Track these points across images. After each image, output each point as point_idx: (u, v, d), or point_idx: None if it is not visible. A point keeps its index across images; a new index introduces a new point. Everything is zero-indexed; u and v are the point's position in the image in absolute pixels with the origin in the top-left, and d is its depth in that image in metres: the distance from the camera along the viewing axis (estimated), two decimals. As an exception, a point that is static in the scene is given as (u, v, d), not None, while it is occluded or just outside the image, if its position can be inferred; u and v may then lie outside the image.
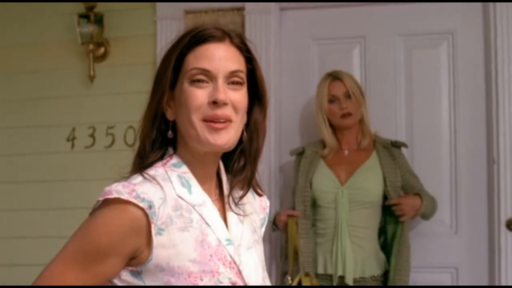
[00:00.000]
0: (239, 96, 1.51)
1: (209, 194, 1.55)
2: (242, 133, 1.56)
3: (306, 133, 3.65)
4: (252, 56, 1.58)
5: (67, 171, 3.84)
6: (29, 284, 1.47)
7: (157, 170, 1.50)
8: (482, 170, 3.48)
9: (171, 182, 1.49)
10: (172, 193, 1.47)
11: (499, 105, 3.38)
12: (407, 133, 3.53)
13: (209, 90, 1.49)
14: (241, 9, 3.66)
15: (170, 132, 1.55)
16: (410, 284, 3.21)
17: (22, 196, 3.89)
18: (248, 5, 3.63)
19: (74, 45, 3.80)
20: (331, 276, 3.14)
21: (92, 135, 3.83)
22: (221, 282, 1.46)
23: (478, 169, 3.49)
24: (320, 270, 3.17)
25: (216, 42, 1.52)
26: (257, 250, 1.61)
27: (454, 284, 3.46)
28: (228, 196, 1.60)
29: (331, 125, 3.31)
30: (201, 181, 1.54)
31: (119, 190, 1.41)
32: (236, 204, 1.59)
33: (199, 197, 1.51)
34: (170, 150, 1.56)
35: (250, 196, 1.66)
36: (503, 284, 3.32)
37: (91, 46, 3.72)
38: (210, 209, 1.52)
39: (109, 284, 1.46)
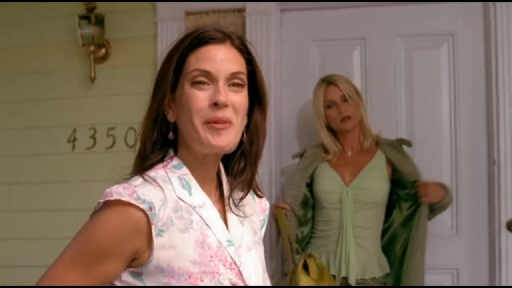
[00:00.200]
0: (240, 98, 1.52)
1: (209, 196, 1.56)
2: (243, 135, 1.56)
3: (307, 135, 3.65)
4: (252, 58, 1.58)
5: (68, 172, 3.84)
6: (30, 285, 1.47)
7: (157, 172, 1.51)
8: (482, 170, 3.48)
9: (171, 183, 1.50)
10: (173, 195, 1.48)
11: (499, 106, 3.38)
12: (407, 134, 3.53)
13: (210, 92, 1.49)
14: (241, 11, 3.66)
15: (171, 134, 1.55)
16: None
17: (22, 197, 3.90)
18: (248, 6, 3.63)
19: (75, 46, 3.80)
20: (333, 277, 3.12)
21: (92, 136, 3.83)
22: (221, 283, 1.46)
23: (478, 170, 3.49)
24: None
25: (217, 44, 1.53)
26: (257, 251, 1.61)
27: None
28: (229, 198, 1.60)
29: (332, 129, 3.31)
30: (202, 182, 1.55)
31: (119, 191, 1.42)
32: (236, 206, 1.59)
33: (199, 198, 1.52)
34: (171, 152, 1.56)
35: (250, 198, 1.67)
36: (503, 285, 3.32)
37: (92, 48, 3.73)
38: (210, 211, 1.52)
39: (109, 285, 1.47)
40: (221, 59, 1.51)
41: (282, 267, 3.43)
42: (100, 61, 3.82)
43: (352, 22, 3.67)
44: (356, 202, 3.14)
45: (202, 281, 1.44)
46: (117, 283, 1.47)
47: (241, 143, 1.57)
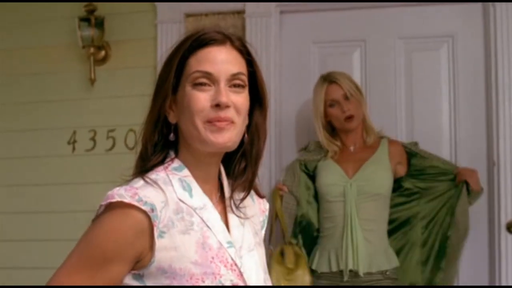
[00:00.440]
0: (241, 99, 1.53)
1: (210, 197, 1.56)
2: (243, 136, 1.57)
3: (306, 136, 3.65)
4: (252, 59, 1.59)
5: (68, 174, 3.84)
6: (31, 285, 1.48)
7: (158, 174, 1.51)
8: (482, 172, 3.47)
9: (172, 185, 1.50)
10: (173, 197, 1.48)
11: (499, 108, 3.39)
12: (407, 135, 3.53)
13: (212, 93, 1.50)
14: (241, 12, 3.67)
15: (172, 135, 1.56)
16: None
17: (23, 199, 3.89)
18: (248, 8, 3.64)
19: (75, 48, 3.80)
20: (341, 272, 3.09)
21: (92, 138, 3.83)
22: (222, 284, 1.47)
23: (478, 172, 3.48)
24: (333, 268, 3.11)
25: (217, 46, 1.53)
26: (258, 252, 1.61)
27: (455, 286, 3.46)
28: (230, 199, 1.60)
29: (333, 128, 3.31)
30: (203, 184, 1.55)
31: (121, 193, 1.42)
32: (237, 207, 1.60)
33: (200, 200, 1.52)
34: (172, 154, 1.57)
35: (249, 199, 1.67)
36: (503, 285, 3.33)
37: (91, 50, 3.73)
38: (211, 212, 1.53)
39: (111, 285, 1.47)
40: (222, 60, 1.52)
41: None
42: (100, 63, 3.82)
43: (352, 24, 3.68)
44: (360, 194, 3.13)
45: (203, 282, 1.44)
46: (119, 284, 1.47)
47: (241, 144, 1.58)
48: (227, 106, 1.49)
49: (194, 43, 1.53)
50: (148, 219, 1.42)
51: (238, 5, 3.66)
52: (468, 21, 3.55)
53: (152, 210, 1.42)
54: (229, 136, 1.50)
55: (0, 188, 3.94)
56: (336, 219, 3.15)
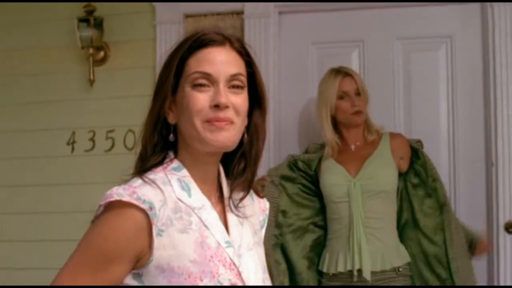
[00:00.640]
0: (240, 100, 1.54)
1: (209, 197, 1.57)
2: (243, 136, 1.58)
3: (305, 136, 3.66)
4: (251, 60, 1.60)
5: (67, 174, 3.84)
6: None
7: (156, 174, 1.52)
8: (480, 173, 3.49)
9: (171, 185, 1.51)
10: (172, 196, 1.49)
11: (497, 108, 3.39)
12: (406, 135, 3.53)
13: (211, 94, 1.51)
14: (240, 13, 3.67)
15: (171, 136, 1.57)
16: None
17: (22, 199, 3.90)
18: (247, 9, 3.64)
19: (74, 49, 3.81)
20: (350, 272, 3.06)
21: (92, 139, 3.83)
22: (221, 283, 1.47)
23: (476, 172, 3.50)
24: (341, 268, 3.08)
25: (217, 46, 1.54)
26: (257, 252, 1.62)
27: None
28: (229, 199, 1.61)
29: (335, 123, 3.27)
30: (201, 184, 1.56)
31: (120, 192, 1.43)
32: (236, 206, 1.60)
33: (198, 200, 1.53)
34: (171, 154, 1.58)
35: (249, 198, 1.68)
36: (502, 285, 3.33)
37: (91, 50, 3.73)
38: (210, 212, 1.53)
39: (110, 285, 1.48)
40: (221, 61, 1.53)
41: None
42: (99, 63, 3.83)
43: (351, 25, 3.68)
44: (364, 192, 3.08)
45: (201, 280, 1.45)
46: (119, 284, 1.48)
47: (241, 144, 1.58)
48: (226, 107, 1.50)
49: (194, 44, 1.54)
50: (147, 217, 1.43)
51: (237, 6, 3.66)
52: (466, 22, 3.56)
53: (151, 208, 1.43)
54: (228, 136, 1.51)
55: (-1, 188, 3.95)
56: (343, 220, 3.11)
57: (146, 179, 1.49)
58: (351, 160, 3.20)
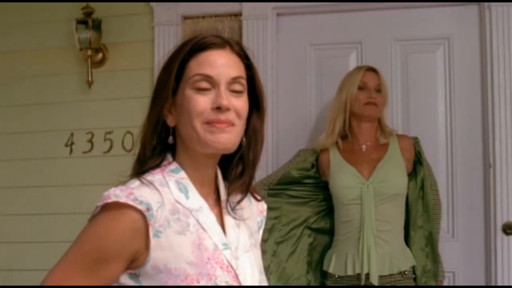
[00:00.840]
0: (241, 103, 1.54)
1: (207, 199, 1.57)
2: (241, 139, 1.58)
3: (303, 138, 3.66)
4: (251, 63, 1.60)
5: (66, 176, 3.84)
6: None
7: (154, 176, 1.52)
8: (478, 174, 3.49)
9: (168, 187, 1.51)
10: (170, 198, 1.49)
11: (494, 110, 3.40)
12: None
13: (212, 97, 1.51)
14: (238, 15, 3.68)
15: (170, 138, 1.57)
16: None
17: (20, 201, 3.90)
18: (245, 10, 3.65)
19: (73, 50, 3.81)
20: (358, 275, 3.04)
21: (90, 141, 3.84)
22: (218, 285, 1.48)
23: (474, 173, 3.50)
24: (350, 271, 3.06)
25: (217, 49, 1.55)
26: (254, 253, 1.62)
27: (451, 288, 3.47)
28: (226, 201, 1.61)
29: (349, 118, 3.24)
30: (199, 186, 1.57)
31: (117, 194, 1.44)
32: (233, 209, 1.61)
33: (196, 202, 1.53)
34: (169, 156, 1.58)
35: (247, 201, 1.68)
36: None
37: (89, 52, 3.73)
38: (207, 214, 1.54)
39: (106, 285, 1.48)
40: (222, 64, 1.53)
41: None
42: (97, 65, 3.83)
43: (349, 26, 3.69)
44: (377, 196, 3.06)
45: (198, 282, 1.45)
46: (114, 284, 1.48)
47: (239, 147, 1.59)
48: (228, 109, 1.50)
49: (194, 46, 1.54)
50: (144, 218, 1.43)
51: (235, 8, 3.67)
52: (463, 23, 3.57)
53: (148, 209, 1.43)
54: (229, 138, 1.52)
55: (-3, 190, 3.95)
56: (353, 224, 3.09)
57: (144, 181, 1.49)
58: (363, 161, 3.18)
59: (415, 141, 3.28)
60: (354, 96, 3.19)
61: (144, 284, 1.46)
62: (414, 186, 3.21)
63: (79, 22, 3.71)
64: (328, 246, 3.24)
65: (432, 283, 3.14)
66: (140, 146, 1.58)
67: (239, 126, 1.54)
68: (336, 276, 3.11)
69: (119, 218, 1.43)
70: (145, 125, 1.57)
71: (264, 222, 1.77)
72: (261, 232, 1.76)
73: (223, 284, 1.48)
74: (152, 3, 3.75)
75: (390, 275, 3.04)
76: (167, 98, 1.54)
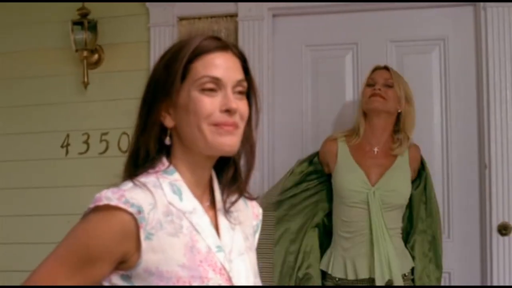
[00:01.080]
0: (244, 105, 1.56)
1: (201, 202, 1.57)
2: None
3: (299, 139, 3.66)
4: (248, 66, 1.61)
5: (61, 177, 3.84)
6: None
7: (148, 177, 1.52)
8: (474, 175, 3.50)
9: (162, 189, 1.51)
10: (163, 200, 1.49)
11: (490, 110, 3.40)
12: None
13: (219, 99, 1.51)
14: (234, 16, 3.68)
15: (168, 139, 1.56)
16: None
17: (16, 202, 3.89)
18: (241, 11, 3.65)
19: (68, 51, 3.81)
20: (372, 280, 3.02)
21: (86, 142, 3.83)
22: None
23: (470, 174, 3.51)
24: (351, 276, 3.05)
25: (221, 52, 1.55)
26: (249, 256, 1.62)
27: (447, 289, 3.48)
28: (224, 203, 1.62)
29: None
30: (194, 188, 1.56)
31: (108, 196, 1.43)
32: (227, 210, 1.61)
33: (190, 204, 1.53)
34: (163, 158, 1.57)
35: (242, 203, 1.68)
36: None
37: (85, 53, 3.73)
38: (201, 217, 1.54)
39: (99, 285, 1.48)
40: (228, 66, 1.54)
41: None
42: (93, 66, 3.83)
43: (344, 27, 3.69)
44: (383, 204, 3.04)
45: (190, 285, 1.45)
46: (106, 283, 1.48)
47: None
48: (235, 112, 1.51)
49: (198, 48, 1.53)
50: (135, 220, 1.43)
51: (231, 9, 3.67)
52: (459, 24, 3.57)
53: (139, 212, 1.43)
54: (236, 140, 1.53)
55: (-7, 191, 3.95)
56: (355, 225, 3.06)
57: (137, 182, 1.49)
58: (371, 165, 3.14)
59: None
60: (362, 93, 3.19)
61: (136, 284, 1.46)
62: (417, 191, 3.20)
63: (75, 23, 3.71)
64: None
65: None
66: (133, 147, 1.57)
67: (242, 128, 1.55)
68: (337, 279, 3.10)
69: (109, 219, 1.43)
70: (139, 125, 1.57)
71: (260, 226, 1.77)
72: (257, 236, 1.76)
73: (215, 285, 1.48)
74: (147, 4, 3.75)
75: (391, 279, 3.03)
76: (170, 98, 1.53)
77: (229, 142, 1.52)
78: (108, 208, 1.43)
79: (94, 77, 3.82)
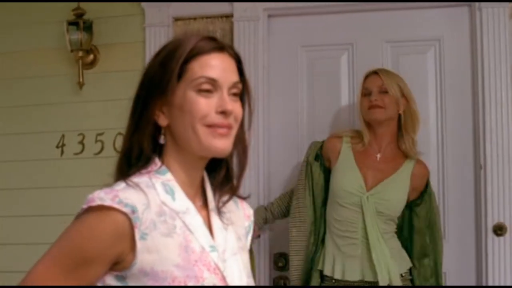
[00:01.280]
0: (239, 107, 1.56)
1: (194, 201, 1.57)
2: None
3: (295, 139, 3.66)
4: (243, 67, 1.61)
5: (57, 178, 3.83)
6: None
7: (140, 178, 1.52)
8: (469, 175, 3.50)
9: (155, 189, 1.50)
10: (156, 200, 1.49)
11: (485, 111, 3.40)
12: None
13: (215, 100, 1.51)
14: (229, 16, 3.67)
15: (162, 138, 1.56)
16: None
17: (11, 202, 3.88)
18: (236, 12, 3.65)
19: (64, 52, 3.80)
20: (354, 282, 3.03)
21: (81, 142, 3.83)
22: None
23: (465, 175, 3.51)
24: (338, 275, 3.06)
25: (218, 53, 1.55)
26: (242, 257, 1.63)
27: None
28: (217, 203, 1.61)
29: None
30: (187, 188, 1.56)
31: (101, 197, 1.43)
32: (219, 209, 1.61)
33: (182, 204, 1.53)
34: (155, 158, 1.56)
35: (233, 205, 1.68)
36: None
37: (80, 53, 3.72)
38: (194, 216, 1.53)
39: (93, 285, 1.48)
40: (224, 68, 1.54)
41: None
42: (88, 66, 3.82)
43: (340, 28, 3.69)
44: (376, 210, 3.03)
45: (186, 285, 1.45)
46: (100, 284, 1.48)
47: None
48: (231, 114, 1.51)
49: (196, 48, 1.53)
50: (129, 221, 1.43)
51: (226, 9, 3.67)
52: (454, 25, 3.57)
53: (133, 211, 1.43)
54: (229, 144, 1.53)
55: (-12, 192, 3.94)
56: (347, 225, 3.07)
57: (130, 183, 1.49)
58: (371, 169, 3.13)
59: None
60: (360, 104, 3.19)
61: (131, 285, 1.46)
62: (421, 216, 3.18)
63: (70, 23, 3.70)
64: None
65: None
66: (126, 145, 1.57)
67: (235, 130, 1.55)
68: (333, 281, 3.09)
69: (103, 220, 1.43)
70: (133, 123, 1.57)
71: (252, 227, 1.77)
72: (249, 237, 1.76)
73: (211, 285, 1.48)
74: (143, 4, 3.75)
75: (389, 279, 3.03)
76: (165, 97, 1.52)
77: (222, 146, 1.52)
78: (102, 208, 1.42)
79: (89, 78, 3.81)
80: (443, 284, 3.21)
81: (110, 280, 1.47)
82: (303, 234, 3.20)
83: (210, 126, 1.50)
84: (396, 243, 3.14)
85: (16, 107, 3.91)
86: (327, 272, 3.10)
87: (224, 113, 1.51)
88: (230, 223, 1.63)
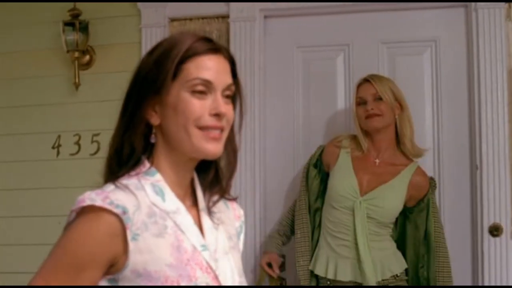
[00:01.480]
0: (231, 110, 1.56)
1: (184, 202, 1.56)
2: None
3: (291, 141, 3.66)
4: (236, 69, 1.60)
5: (53, 178, 3.83)
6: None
7: (129, 180, 1.51)
8: (465, 176, 3.50)
9: (144, 190, 1.50)
10: (146, 201, 1.48)
11: (481, 111, 3.41)
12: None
13: (209, 102, 1.51)
14: (225, 17, 3.68)
15: (153, 136, 1.55)
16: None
17: (7, 203, 3.88)
18: (232, 13, 3.65)
19: (60, 52, 3.80)
20: (345, 282, 3.04)
21: (77, 143, 3.82)
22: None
23: (461, 176, 3.51)
24: (330, 275, 3.07)
25: (213, 54, 1.54)
26: (234, 256, 1.62)
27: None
28: (209, 202, 1.61)
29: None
30: (177, 188, 1.56)
31: (92, 197, 1.43)
32: (210, 209, 1.61)
33: (173, 204, 1.52)
34: (144, 159, 1.56)
35: (223, 205, 1.68)
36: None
37: (76, 54, 3.72)
38: (184, 216, 1.53)
39: None
40: (219, 70, 1.53)
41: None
42: (84, 67, 3.82)
43: (336, 29, 3.69)
44: (368, 217, 3.04)
45: (179, 284, 1.45)
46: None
47: None
48: (224, 116, 1.51)
49: (191, 49, 1.51)
50: (120, 222, 1.42)
51: (222, 10, 3.67)
52: (450, 26, 3.58)
53: (124, 212, 1.42)
54: (220, 147, 1.53)
55: (-16, 193, 3.93)
56: (340, 226, 3.08)
57: (119, 185, 1.48)
58: (368, 173, 3.13)
59: (431, 183, 3.19)
60: (356, 113, 3.18)
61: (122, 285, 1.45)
62: (417, 223, 3.16)
63: (66, 24, 3.70)
64: None
65: None
66: (116, 144, 1.55)
67: (227, 132, 1.55)
68: (328, 282, 3.10)
69: (96, 223, 1.42)
70: (124, 121, 1.55)
71: (243, 227, 1.77)
72: (242, 237, 1.76)
73: (204, 285, 1.48)
74: (139, 5, 3.74)
75: (383, 280, 3.04)
76: (158, 96, 1.51)
77: (214, 150, 1.51)
78: (93, 210, 1.42)
79: (85, 78, 3.81)
80: None
81: (102, 283, 1.46)
82: (307, 235, 3.21)
83: (202, 128, 1.50)
84: (391, 244, 3.14)
85: (12, 107, 3.91)
86: (318, 272, 3.12)
87: (217, 115, 1.50)
88: (220, 222, 1.63)
